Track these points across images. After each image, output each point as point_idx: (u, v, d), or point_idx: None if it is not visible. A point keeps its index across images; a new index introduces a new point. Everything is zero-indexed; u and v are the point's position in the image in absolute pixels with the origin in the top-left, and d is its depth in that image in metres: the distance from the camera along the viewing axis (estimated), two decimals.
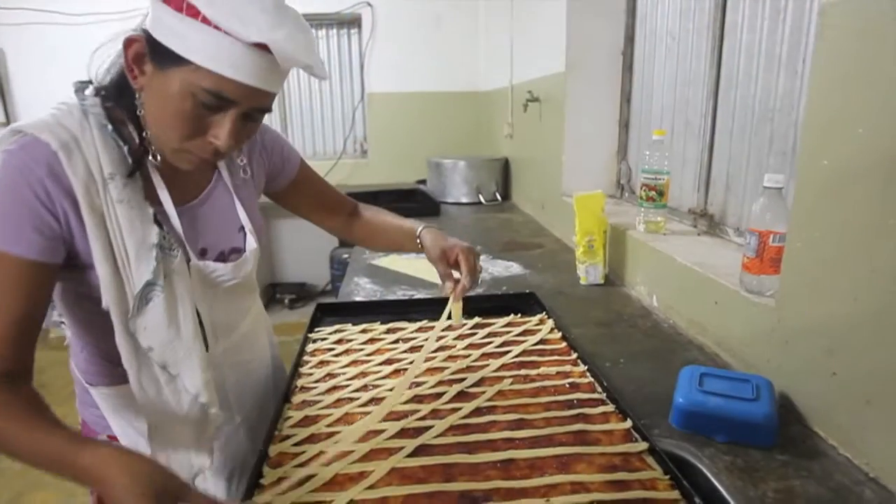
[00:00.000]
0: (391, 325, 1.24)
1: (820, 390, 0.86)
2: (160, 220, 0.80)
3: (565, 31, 2.02)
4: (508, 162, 3.13)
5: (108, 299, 0.75)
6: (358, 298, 1.52)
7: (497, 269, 1.79)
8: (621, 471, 0.74)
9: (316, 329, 1.23)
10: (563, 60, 2.05)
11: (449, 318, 1.00)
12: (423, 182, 3.48)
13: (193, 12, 0.66)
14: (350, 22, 3.94)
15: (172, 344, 0.79)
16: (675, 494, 0.70)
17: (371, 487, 0.72)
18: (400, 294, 1.54)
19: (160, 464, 0.62)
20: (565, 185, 2.14)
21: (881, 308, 0.74)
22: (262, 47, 0.67)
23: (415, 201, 3.14)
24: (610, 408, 0.89)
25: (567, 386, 0.97)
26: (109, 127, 0.76)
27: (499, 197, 3.07)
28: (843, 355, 0.81)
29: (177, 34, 0.67)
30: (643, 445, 0.79)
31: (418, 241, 1.06)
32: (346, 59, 4.02)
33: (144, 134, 0.77)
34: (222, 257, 0.92)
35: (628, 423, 0.84)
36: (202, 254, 0.89)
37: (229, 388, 0.99)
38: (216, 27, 0.66)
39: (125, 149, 0.77)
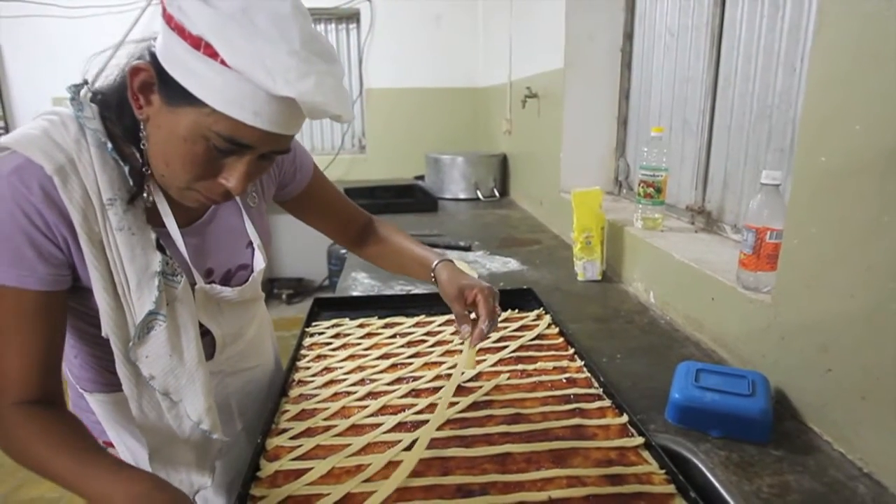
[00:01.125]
0: (389, 319, 1.24)
1: (815, 386, 0.86)
2: (163, 243, 0.76)
3: (564, 27, 2.01)
4: (507, 158, 3.13)
5: (107, 328, 0.72)
6: (355, 293, 1.52)
7: (495, 265, 1.79)
8: (617, 465, 0.75)
9: (313, 323, 1.23)
10: (562, 57, 2.05)
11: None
12: (421, 178, 3.48)
13: (211, 52, 0.59)
14: (349, 17, 3.93)
15: (175, 372, 0.77)
16: (671, 489, 0.70)
17: (368, 481, 0.72)
18: (398, 289, 1.54)
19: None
20: (563, 182, 2.15)
21: (877, 305, 0.74)
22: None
23: (413, 197, 3.14)
24: (606, 403, 0.89)
25: (564, 381, 0.97)
26: (109, 145, 0.70)
27: (497, 193, 3.07)
28: (838, 352, 0.82)
29: (192, 72, 0.61)
30: (639, 440, 0.79)
31: (432, 274, 0.98)
32: (344, 55, 4.00)
33: (145, 170, 0.72)
34: (228, 275, 0.88)
35: (624, 418, 0.84)
36: (208, 274, 0.85)
37: (232, 395, 0.98)
38: (236, 70, 0.59)
39: (126, 169, 0.71)
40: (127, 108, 0.70)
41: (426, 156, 3.23)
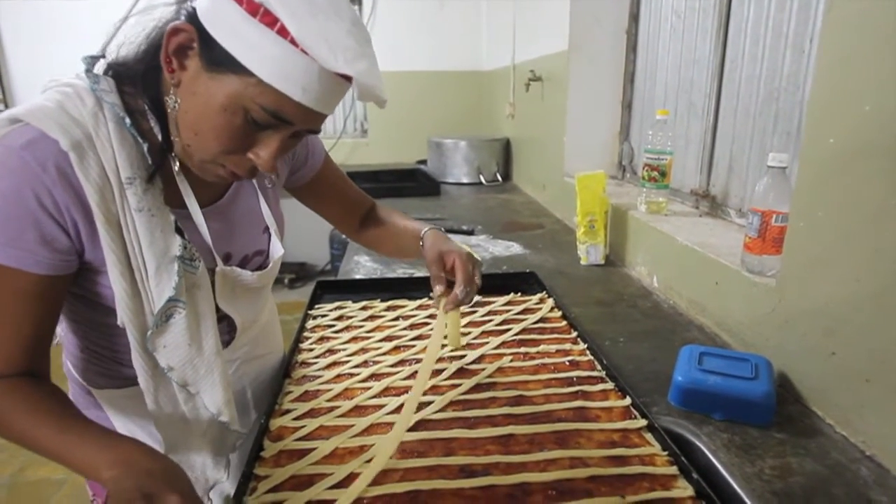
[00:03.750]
0: (391, 302, 1.24)
1: (819, 370, 0.86)
2: (181, 226, 0.72)
3: (569, 8, 1.99)
4: (510, 142, 3.11)
5: (123, 316, 0.68)
6: (358, 276, 1.52)
7: (497, 249, 1.78)
8: (620, 447, 0.75)
9: (316, 306, 1.24)
10: (567, 39, 2.02)
11: (445, 338, 0.88)
12: (423, 162, 3.47)
13: (270, 20, 0.57)
14: None
15: (193, 362, 0.74)
16: (673, 470, 0.70)
17: (371, 461, 0.73)
18: (400, 272, 1.53)
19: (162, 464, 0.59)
20: (567, 166, 2.13)
21: (883, 288, 0.74)
22: (342, 75, 0.60)
23: (415, 181, 3.13)
24: (609, 385, 0.89)
25: (567, 364, 0.97)
26: (128, 120, 0.66)
27: (500, 177, 3.05)
28: (843, 335, 0.81)
29: (243, 39, 0.58)
30: (642, 422, 0.79)
31: (421, 241, 0.97)
32: None
33: (174, 138, 0.68)
34: (245, 261, 0.86)
35: (627, 401, 0.84)
36: (226, 258, 0.82)
37: (248, 385, 0.97)
38: (292, 43, 0.57)
39: (144, 147, 0.67)
40: (152, 78, 0.67)
41: (428, 140, 3.21)
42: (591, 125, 2.09)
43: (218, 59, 0.60)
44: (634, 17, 1.95)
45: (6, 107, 3.65)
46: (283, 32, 0.57)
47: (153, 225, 0.68)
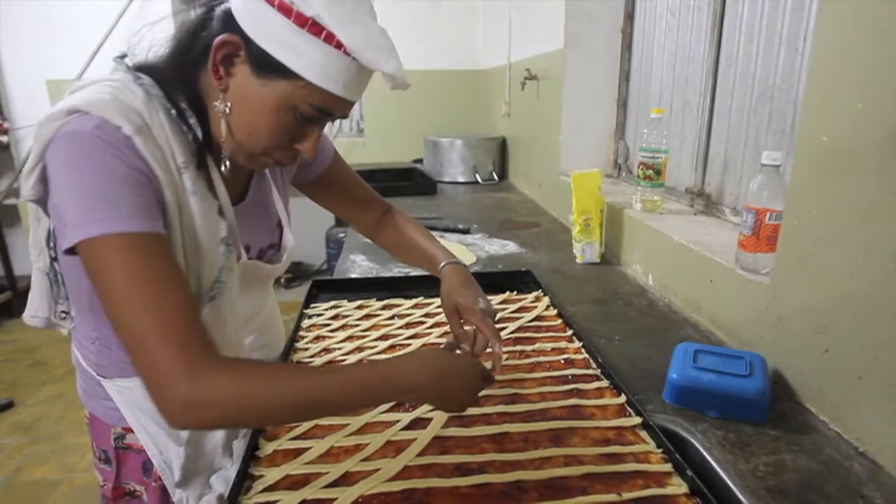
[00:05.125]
0: (387, 301, 1.24)
1: (812, 367, 0.86)
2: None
3: (564, 7, 1.99)
4: (506, 141, 3.11)
5: None
6: (354, 275, 1.52)
7: (493, 248, 1.79)
8: (615, 444, 0.75)
9: (312, 305, 1.24)
10: (562, 38, 2.03)
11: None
12: (419, 161, 3.47)
13: (317, 30, 0.63)
14: None
15: (221, 345, 0.73)
16: (668, 467, 0.71)
17: (366, 459, 0.73)
18: (396, 271, 1.53)
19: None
20: (563, 165, 2.14)
21: (876, 285, 0.74)
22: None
23: (411, 180, 3.13)
24: (604, 383, 0.90)
25: (562, 362, 0.97)
26: (174, 112, 0.70)
27: (496, 176, 3.06)
28: (836, 332, 0.82)
29: (292, 48, 0.63)
30: (637, 420, 0.79)
31: (439, 276, 0.96)
32: None
33: (222, 140, 0.72)
34: (260, 253, 0.90)
35: (622, 399, 0.84)
36: (246, 251, 0.86)
37: None
38: (337, 47, 0.63)
39: (190, 137, 0.71)
40: (190, 78, 0.71)
41: (425, 139, 3.21)
42: (587, 124, 2.10)
43: (267, 66, 0.65)
44: (629, 16, 1.95)
45: (0, 107, 3.63)
46: (329, 39, 0.63)
47: (205, 208, 0.72)
